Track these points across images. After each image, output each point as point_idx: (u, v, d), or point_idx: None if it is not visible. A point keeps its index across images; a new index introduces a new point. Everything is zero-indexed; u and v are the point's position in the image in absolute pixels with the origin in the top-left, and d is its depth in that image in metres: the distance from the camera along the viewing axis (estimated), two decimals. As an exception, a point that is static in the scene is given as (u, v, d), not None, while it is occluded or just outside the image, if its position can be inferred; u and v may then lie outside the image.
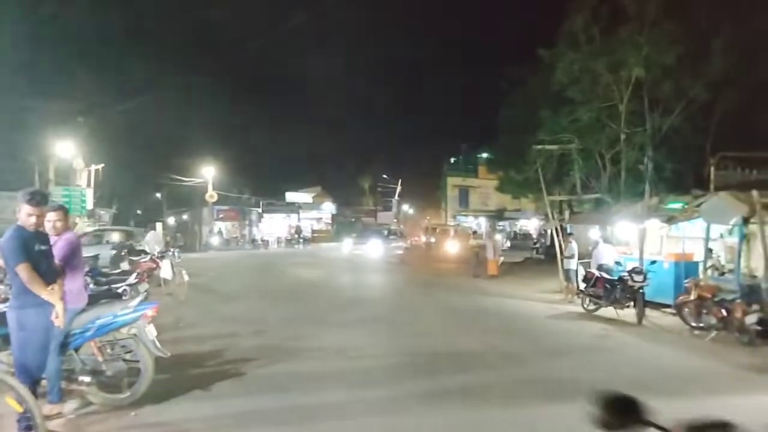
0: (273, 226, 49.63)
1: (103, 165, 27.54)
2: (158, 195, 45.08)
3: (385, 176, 63.98)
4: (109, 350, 5.37)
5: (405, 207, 64.35)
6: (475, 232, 24.07)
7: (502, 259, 19.99)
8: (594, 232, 15.52)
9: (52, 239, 4.87)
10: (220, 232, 45.10)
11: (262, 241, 45.17)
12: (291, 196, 57.89)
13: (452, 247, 27.91)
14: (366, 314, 11.31)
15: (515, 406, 5.65)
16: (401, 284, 18.10)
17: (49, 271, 4.49)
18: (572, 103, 16.48)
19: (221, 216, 46.79)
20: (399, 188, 59.17)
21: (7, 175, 24.73)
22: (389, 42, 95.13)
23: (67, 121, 25.45)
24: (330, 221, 57.45)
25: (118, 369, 5.22)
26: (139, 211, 46.55)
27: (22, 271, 4.24)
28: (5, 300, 5.57)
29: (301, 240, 45.01)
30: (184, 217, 47.09)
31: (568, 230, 17.75)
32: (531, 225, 45.77)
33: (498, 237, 24.96)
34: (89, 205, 25.55)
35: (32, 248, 4.38)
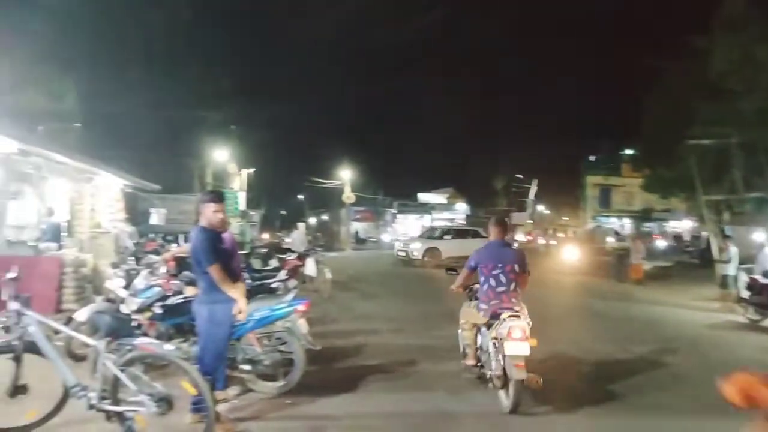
0: (407, 227, 50.44)
1: (254, 169, 29.62)
2: (300, 197, 47.71)
3: (519, 176, 62.46)
4: (266, 342, 5.68)
5: (540, 207, 62.39)
6: (617, 234, 22.70)
7: (645, 263, 18.68)
8: (758, 235, 14.06)
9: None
10: (356, 233, 46.67)
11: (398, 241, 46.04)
12: (424, 197, 58.49)
13: (585, 250, 26.38)
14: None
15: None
16: (535, 287, 17.58)
17: (232, 269, 4.74)
18: (730, 94, 15.02)
19: (358, 216, 48.46)
20: (534, 188, 57.42)
21: (171, 179, 27.40)
22: (520, 35, 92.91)
23: (221, 130, 27.78)
24: (463, 222, 57.27)
25: (274, 359, 5.54)
26: (283, 212, 49.58)
27: (215, 271, 4.52)
28: (178, 292, 6.24)
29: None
30: (324, 217, 49.37)
31: (727, 233, 16.23)
32: (683, 226, 42.31)
33: (657, 241, 22.95)
34: (242, 206, 27.65)
35: (219, 248, 4.65)
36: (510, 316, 5.26)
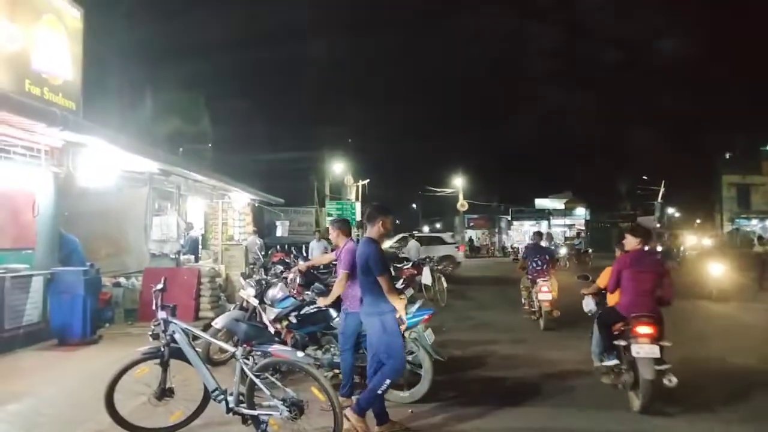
0: (523, 234, 49.21)
1: (368, 180, 30.33)
2: (414, 206, 48.15)
3: (644, 177, 58.83)
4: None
5: (670, 210, 58.27)
6: (761, 237, 20.61)
7: None
8: None
9: (336, 252, 5.64)
10: (470, 240, 46.21)
11: (512, 248, 45.08)
12: (540, 203, 56.79)
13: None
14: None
15: None
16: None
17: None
18: None
19: (472, 224, 48.03)
20: (662, 190, 53.75)
21: (292, 193, 28.73)
22: (645, 27, 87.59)
23: (339, 143, 28.78)
24: (583, 227, 54.83)
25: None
26: (398, 221, 50.29)
27: (385, 281, 4.72)
28: (311, 303, 6.51)
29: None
30: (438, 225, 49.43)
31: None
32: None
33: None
34: (358, 217, 28.41)
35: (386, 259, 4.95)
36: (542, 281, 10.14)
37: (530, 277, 10.73)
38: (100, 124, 9.12)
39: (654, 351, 5.22)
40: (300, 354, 4.40)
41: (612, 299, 6.16)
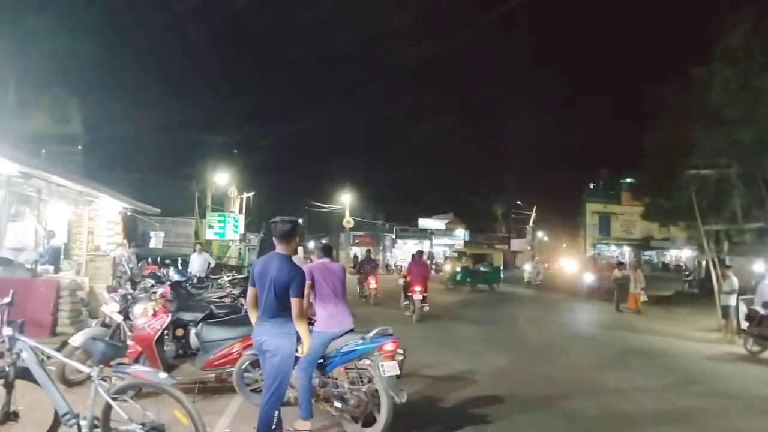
0: (406, 252, 50.37)
1: (253, 193, 29.70)
2: (299, 220, 47.72)
3: (518, 202, 62.61)
4: (353, 379, 5.27)
5: (540, 234, 62.38)
6: (620, 263, 22.62)
7: (643, 293, 18.55)
8: (758, 266, 14.01)
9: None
10: (355, 256, 46.55)
11: (396, 266, 45.95)
12: (423, 222, 58.51)
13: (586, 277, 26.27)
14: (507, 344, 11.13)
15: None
16: (534, 314, 17.50)
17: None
18: (729, 124, 15.11)
19: (357, 241, 48.40)
20: (533, 215, 57.49)
21: (171, 203, 27.50)
22: (520, 65, 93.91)
23: (222, 154, 27.97)
24: (463, 247, 57.18)
25: (359, 400, 5.14)
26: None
27: (300, 304, 4.54)
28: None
29: (433, 266, 45.20)
30: (323, 241, 49.34)
31: (727, 263, 16.18)
32: (683, 255, 42.20)
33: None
34: (241, 230, 27.64)
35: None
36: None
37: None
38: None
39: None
40: (162, 375, 4.15)
41: None
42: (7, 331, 4.15)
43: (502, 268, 29.31)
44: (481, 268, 27.38)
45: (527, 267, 33.78)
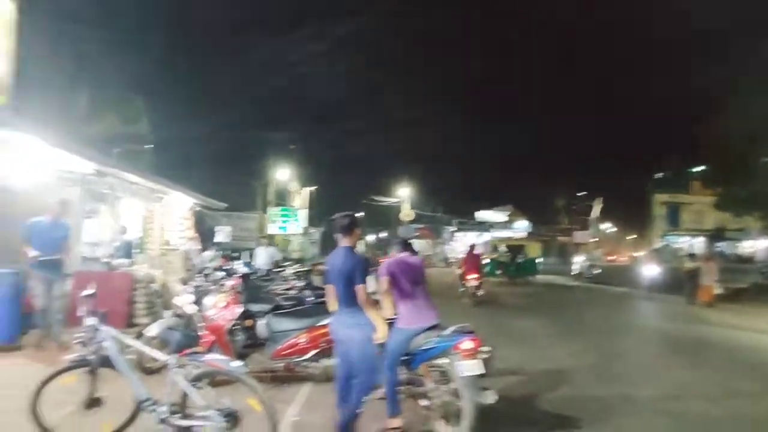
0: (465, 245, 50.00)
1: (315, 187, 30.18)
2: (360, 214, 48.16)
3: (581, 194, 61.01)
4: (436, 377, 5.10)
5: (604, 226, 60.55)
6: (692, 255, 21.64)
7: (717, 285, 17.64)
8: None
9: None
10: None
11: (455, 259, 45.68)
12: (482, 215, 57.87)
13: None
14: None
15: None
16: (601, 309, 16.97)
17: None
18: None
19: (416, 234, 48.40)
20: (598, 206, 55.84)
21: (235, 198, 28.21)
22: (581, 51, 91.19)
23: (283, 150, 28.55)
24: (525, 240, 56.24)
25: (443, 399, 4.97)
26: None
27: (364, 291, 4.66)
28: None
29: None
30: (383, 234, 49.59)
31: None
32: (757, 246, 39.98)
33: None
34: (302, 224, 28.15)
35: None
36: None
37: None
38: (32, 119, 8.68)
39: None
40: (235, 364, 4.27)
41: None
42: (91, 321, 4.37)
43: (539, 260, 29.13)
44: (517, 260, 27.18)
45: (578, 259, 32.82)
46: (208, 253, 13.61)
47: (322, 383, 6.24)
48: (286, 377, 6.45)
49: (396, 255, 5.46)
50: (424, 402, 5.13)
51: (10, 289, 7.65)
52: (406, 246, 5.56)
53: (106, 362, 4.37)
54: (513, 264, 26.89)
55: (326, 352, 6.31)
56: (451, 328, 4.98)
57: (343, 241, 4.87)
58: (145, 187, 12.69)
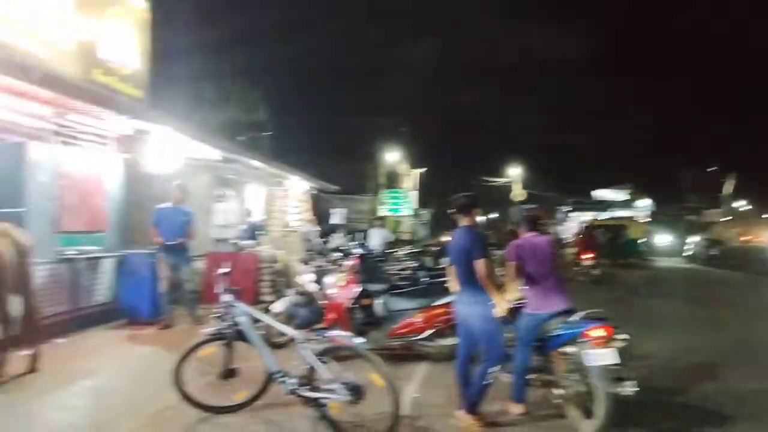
0: (580, 225, 48.02)
1: (425, 169, 30.25)
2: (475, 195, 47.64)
3: (711, 169, 56.30)
4: (569, 365, 4.80)
5: (738, 204, 55.55)
6: None
7: None
8: None
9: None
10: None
11: (571, 239, 44.01)
12: (599, 194, 55.16)
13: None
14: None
15: None
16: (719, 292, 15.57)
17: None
18: None
19: (527, 214, 47.15)
20: (731, 183, 51.35)
21: (347, 181, 28.83)
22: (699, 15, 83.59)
23: (394, 133, 28.85)
24: (648, 219, 52.99)
25: (575, 389, 4.66)
26: (452, 210, 49.97)
27: (485, 265, 4.63)
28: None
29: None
30: (492, 215, 48.83)
31: None
32: None
33: None
34: (413, 205, 28.36)
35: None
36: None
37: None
38: (165, 111, 9.41)
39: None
40: (358, 340, 4.43)
41: None
42: (227, 297, 4.72)
43: (643, 240, 27.02)
44: (619, 241, 25.45)
45: (694, 239, 29.94)
46: (338, 236, 14.00)
47: (439, 362, 6.31)
48: (403, 355, 6.59)
49: (523, 234, 5.11)
50: (557, 390, 4.89)
51: (149, 270, 8.30)
52: (533, 224, 5.14)
53: (240, 336, 4.69)
54: (613, 245, 25.31)
55: (442, 332, 6.38)
56: (580, 314, 4.71)
57: (463, 221, 4.90)
58: (267, 173, 13.38)
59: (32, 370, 5.67)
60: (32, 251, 5.83)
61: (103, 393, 5.46)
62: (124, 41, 8.90)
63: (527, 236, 5.05)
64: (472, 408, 4.66)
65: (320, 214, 20.93)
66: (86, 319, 7.79)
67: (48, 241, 7.19)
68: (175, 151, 9.18)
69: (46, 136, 7.26)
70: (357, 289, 6.77)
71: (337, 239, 12.75)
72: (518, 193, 38.59)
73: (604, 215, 49.23)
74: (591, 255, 16.17)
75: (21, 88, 5.99)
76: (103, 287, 8.26)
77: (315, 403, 4.35)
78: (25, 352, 5.71)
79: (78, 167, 7.92)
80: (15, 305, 5.63)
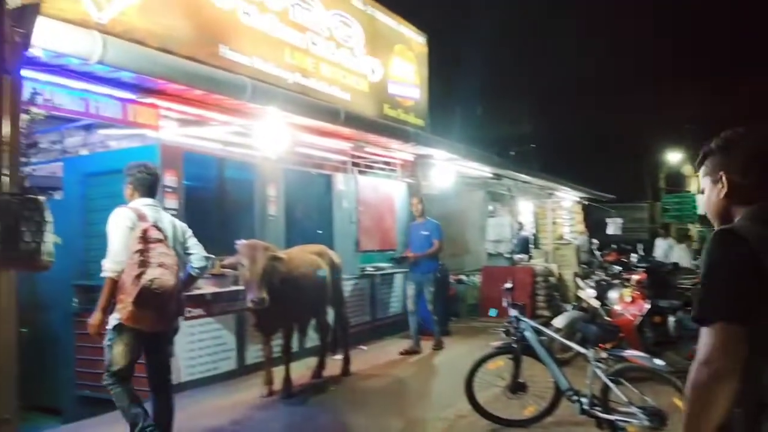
0: None
1: (708, 170, 26.75)
2: None
3: None
4: None
5: None
6: None
7: None
8: None
9: None
10: None
11: None
12: None
13: None
14: None
15: None
16: None
17: None
18: None
19: None
20: None
21: (623, 187, 26.74)
22: None
23: (674, 130, 26.12)
24: None
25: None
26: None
27: None
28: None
29: None
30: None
31: None
32: None
33: None
34: (700, 211, 25.26)
35: None
36: None
37: None
38: (440, 134, 10.08)
39: None
40: (659, 361, 4.14)
41: None
42: (514, 312, 4.85)
43: None
44: None
45: None
46: (634, 255, 12.72)
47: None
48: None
49: None
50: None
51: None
52: None
53: (527, 351, 4.76)
54: None
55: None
56: None
57: None
58: (536, 185, 13.34)
59: (345, 373, 6.56)
60: (342, 269, 6.80)
61: (404, 395, 6.06)
62: (407, 76, 9.83)
63: None
64: None
65: (593, 225, 19.98)
66: (383, 329, 8.73)
67: (352, 259, 8.29)
68: (450, 171, 9.78)
69: (346, 168, 8.45)
70: (646, 306, 6.32)
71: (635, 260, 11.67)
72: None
73: None
74: None
75: (329, 129, 7.05)
76: (395, 300, 9.16)
77: (611, 425, 4.17)
78: (338, 357, 6.64)
79: (371, 193, 8.98)
80: (330, 316, 6.62)
